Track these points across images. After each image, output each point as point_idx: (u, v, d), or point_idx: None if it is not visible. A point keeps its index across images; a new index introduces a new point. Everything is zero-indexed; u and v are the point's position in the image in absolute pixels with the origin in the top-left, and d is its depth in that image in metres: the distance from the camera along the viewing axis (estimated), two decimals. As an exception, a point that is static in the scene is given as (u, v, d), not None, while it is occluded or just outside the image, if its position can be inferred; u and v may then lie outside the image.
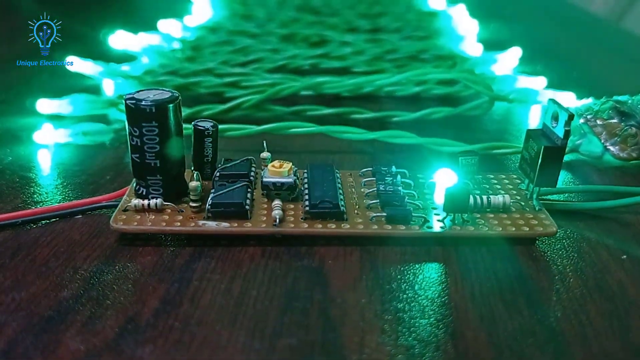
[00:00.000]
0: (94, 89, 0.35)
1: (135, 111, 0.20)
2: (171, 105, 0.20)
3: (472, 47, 0.45)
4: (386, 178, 0.23)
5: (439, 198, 0.22)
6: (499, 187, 0.23)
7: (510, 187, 0.23)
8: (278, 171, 0.22)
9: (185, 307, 0.17)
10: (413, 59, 0.42)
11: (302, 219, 0.21)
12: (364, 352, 0.15)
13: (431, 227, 0.20)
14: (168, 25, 0.48)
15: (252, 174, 0.23)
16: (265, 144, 0.24)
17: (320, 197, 0.21)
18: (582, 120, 0.28)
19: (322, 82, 0.34)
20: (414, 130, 0.28)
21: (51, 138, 0.28)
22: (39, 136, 0.28)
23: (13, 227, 0.21)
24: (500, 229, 0.21)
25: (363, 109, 0.32)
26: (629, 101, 0.27)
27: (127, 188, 0.22)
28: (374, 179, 0.23)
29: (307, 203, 0.21)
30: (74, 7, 0.55)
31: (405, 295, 0.18)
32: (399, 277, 0.19)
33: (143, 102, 0.20)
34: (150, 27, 0.47)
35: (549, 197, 0.23)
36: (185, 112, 0.21)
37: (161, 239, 0.20)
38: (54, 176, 0.25)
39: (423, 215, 0.21)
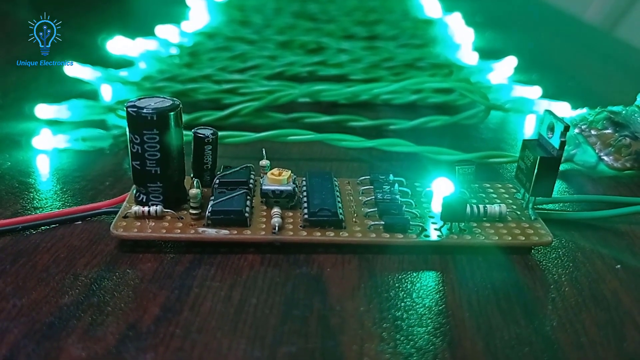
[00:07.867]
0: (92, 94, 0.36)
1: (137, 119, 0.20)
2: (172, 113, 0.20)
3: (467, 56, 0.45)
4: (384, 186, 0.23)
5: (436, 207, 0.22)
6: (495, 196, 0.24)
7: (507, 196, 0.24)
8: (277, 179, 0.22)
9: (186, 314, 0.17)
10: (409, 67, 0.42)
11: (301, 226, 0.21)
12: (363, 360, 0.16)
13: (428, 236, 0.21)
14: (166, 31, 0.48)
15: (252, 181, 0.23)
16: (264, 152, 0.24)
17: (319, 205, 0.21)
18: (576, 130, 0.28)
19: (319, 90, 0.34)
20: (410, 139, 0.28)
21: (50, 143, 0.28)
22: (37, 141, 0.28)
23: (13, 233, 0.21)
24: (497, 238, 0.21)
25: (360, 117, 0.32)
26: (623, 112, 0.28)
27: (126, 194, 0.22)
28: (372, 187, 0.23)
29: (306, 211, 0.21)
30: (72, 12, 0.55)
31: (403, 304, 0.18)
32: (397, 285, 0.19)
33: (144, 110, 0.20)
34: (148, 32, 0.47)
35: (544, 206, 0.24)
36: (183, 118, 0.21)
37: (161, 245, 0.21)
38: (54, 182, 0.25)
39: (420, 223, 0.21)
